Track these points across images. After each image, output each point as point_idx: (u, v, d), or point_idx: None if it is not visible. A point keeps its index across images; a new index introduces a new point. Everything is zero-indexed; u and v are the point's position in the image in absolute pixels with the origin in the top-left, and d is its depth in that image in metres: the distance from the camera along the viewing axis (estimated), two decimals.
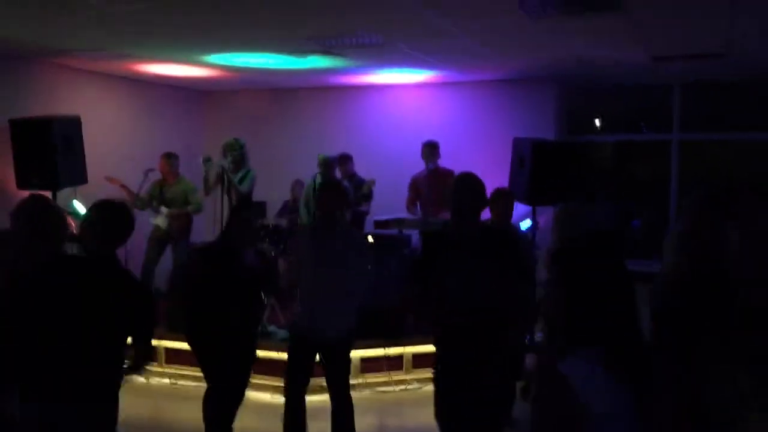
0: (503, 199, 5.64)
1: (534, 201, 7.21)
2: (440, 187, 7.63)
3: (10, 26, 6.06)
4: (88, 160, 7.24)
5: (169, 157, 7.93)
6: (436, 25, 5.71)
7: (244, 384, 4.72)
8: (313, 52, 6.88)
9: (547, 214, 7.89)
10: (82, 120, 7.20)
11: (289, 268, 4.78)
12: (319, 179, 7.53)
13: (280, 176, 8.93)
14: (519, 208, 7.44)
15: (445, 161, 7.83)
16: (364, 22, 5.71)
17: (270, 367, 6.16)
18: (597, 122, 9.35)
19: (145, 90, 9.24)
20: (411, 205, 7.84)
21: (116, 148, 8.53)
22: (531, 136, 7.52)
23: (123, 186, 7.66)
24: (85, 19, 5.54)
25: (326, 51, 6.81)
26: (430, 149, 7.63)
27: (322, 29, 5.94)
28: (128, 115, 9.05)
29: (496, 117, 8.77)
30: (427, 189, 7.43)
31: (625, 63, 7.43)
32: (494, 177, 7.88)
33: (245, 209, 5.07)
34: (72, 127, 7.07)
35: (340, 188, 4.88)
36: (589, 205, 7.83)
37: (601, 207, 8.82)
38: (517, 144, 7.47)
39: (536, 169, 7.05)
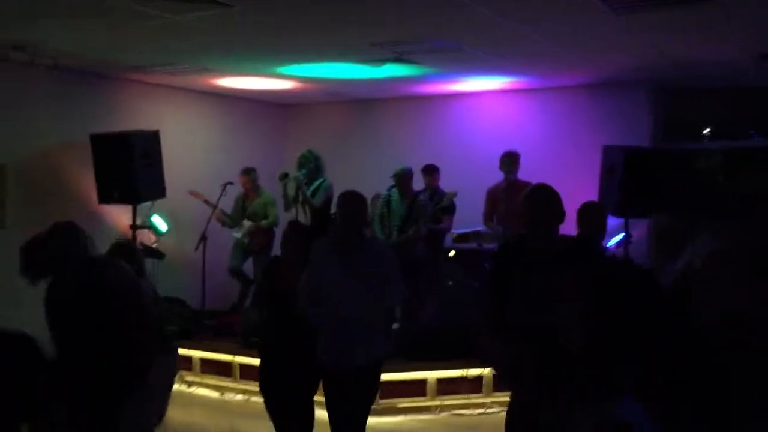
0: (590, 213, 5.27)
1: (626, 213, 6.77)
2: (518, 201, 7.27)
3: (84, 42, 6.16)
4: (167, 174, 7.31)
5: (248, 173, 7.97)
6: (511, 28, 5.38)
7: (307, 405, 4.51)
8: (387, 60, 6.67)
9: (640, 228, 7.39)
10: (161, 135, 7.28)
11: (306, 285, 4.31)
12: (394, 193, 7.28)
13: (362, 190, 8.69)
14: (610, 221, 7.06)
15: (528, 172, 7.43)
16: (435, 28, 5.47)
17: None
18: (706, 130, 8.63)
19: (224, 104, 9.29)
20: (488, 218, 7.47)
21: (195, 162, 8.59)
22: (623, 144, 7.07)
23: (207, 201, 7.71)
24: (151, 31, 5.54)
25: (400, 58, 6.59)
26: (510, 159, 7.25)
27: (392, 35, 5.74)
28: (207, 130, 9.12)
29: (584, 124, 8.27)
30: (504, 202, 7.03)
31: (726, 62, 6.83)
32: (582, 189, 7.46)
33: (294, 228, 4.88)
34: (151, 142, 7.15)
35: (359, 197, 4.36)
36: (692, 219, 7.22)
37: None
38: (608, 152, 7.05)
39: (628, 178, 6.65)
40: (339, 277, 4.09)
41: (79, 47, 6.35)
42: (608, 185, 6.93)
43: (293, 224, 5.15)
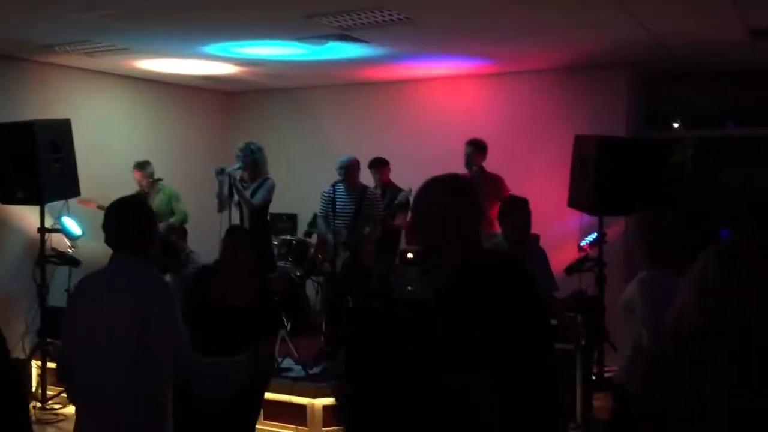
0: (514, 210, 4.83)
1: (599, 210, 6.06)
2: (485, 195, 6.59)
3: None
4: (81, 170, 6.39)
5: (143, 166, 7.16)
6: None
7: None
8: (329, 37, 5.85)
9: (616, 226, 6.68)
10: (74, 125, 6.35)
11: None
12: (340, 188, 6.46)
13: (315, 185, 7.88)
14: (583, 218, 6.37)
15: (494, 165, 6.70)
16: None
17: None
18: (677, 122, 7.95)
19: (152, 90, 8.34)
20: None
21: (116, 155, 7.65)
22: (597, 133, 6.34)
23: (100, 206, 6.82)
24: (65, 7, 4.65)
25: (344, 35, 5.77)
26: (474, 150, 6.52)
27: (329, 4, 4.96)
28: (131, 119, 8.16)
29: (555, 112, 7.54)
30: None
31: (713, 42, 6.13)
32: (553, 183, 6.79)
33: (235, 232, 4.53)
34: (61, 132, 6.24)
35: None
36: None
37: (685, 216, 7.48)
38: (580, 142, 6.33)
39: (602, 172, 5.90)
40: None
41: None
42: (580, 179, 6.22)
43: (235, 229, 4.70)
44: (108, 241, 2.90)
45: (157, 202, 7.11)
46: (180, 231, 7.03)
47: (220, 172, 6.14)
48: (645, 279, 3.38)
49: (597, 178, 5.92)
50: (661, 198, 7.20)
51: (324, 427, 5.29)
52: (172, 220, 7.08)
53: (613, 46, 6.36)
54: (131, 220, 2.90)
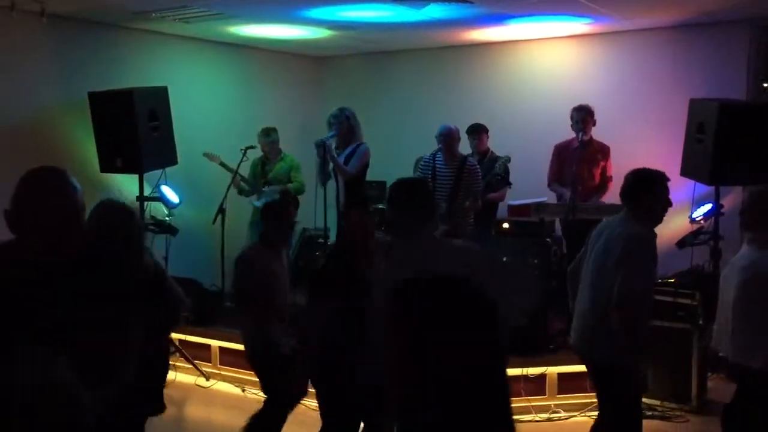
0: None
1: (717, 179, 5.74)
2: (592, 165, 6.29)
3: None
4: (177, 138, 6.39)
5: (269, 133, 7.11)
6: None
7: None
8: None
9: (735, 196, 6.26)
10: (170, 92, 6.34)
11: None
12: (439, 157, 6.23)
13: (405, 151, 7.69)
14: (698, 188, 5.99)
15: (602, 132, 6.38)
16: None
17: None
18: None
19: (244, 56, 8.26)
20: (553, 181, 6.47)
21: (211, 123, 7.63)
22: (712, 96, 5.97)
23: (223, 164, 6.86)
24: None
25: None
26: (583, 116, 6.18)
27: None
28: (225, 85, 8.10)
29: (668, 74, 7.08)
30: (576, 165, 6.01)
31: None
32: (665, 150, 6.41)
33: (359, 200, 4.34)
34: (158, 100, 6.22)
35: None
36: None
37: None
38: (696, 106, 5.95)
39: (722, 139, 5.55)
40: None
41: None
42: (696, 146, 5.85)
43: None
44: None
45: (276, 169, 7.15)
46: (294, 201, 7.00)
47: (321, 144, 5.94)
48: None
49: (716, 146, 5.57)
50: None
51: None
52: (290, 186, 7.07)
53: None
54: None
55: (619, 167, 5.79)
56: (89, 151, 6.29)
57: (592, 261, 3.79)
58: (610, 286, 3.55)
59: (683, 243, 5.97)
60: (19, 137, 6.10)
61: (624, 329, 3.49)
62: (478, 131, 6.83)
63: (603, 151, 6.40)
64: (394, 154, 7.80)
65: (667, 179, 3.79)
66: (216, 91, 7.94)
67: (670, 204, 3.78)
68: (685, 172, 5.99)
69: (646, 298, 3.64)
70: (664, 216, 3.80)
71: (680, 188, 6.29)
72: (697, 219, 6.15)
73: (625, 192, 3.78)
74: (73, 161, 6.32)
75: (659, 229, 4.68)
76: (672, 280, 5.73)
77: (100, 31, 6.77)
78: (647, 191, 3.71)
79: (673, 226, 6.30)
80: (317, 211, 5.93)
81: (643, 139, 6.89)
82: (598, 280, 3.68)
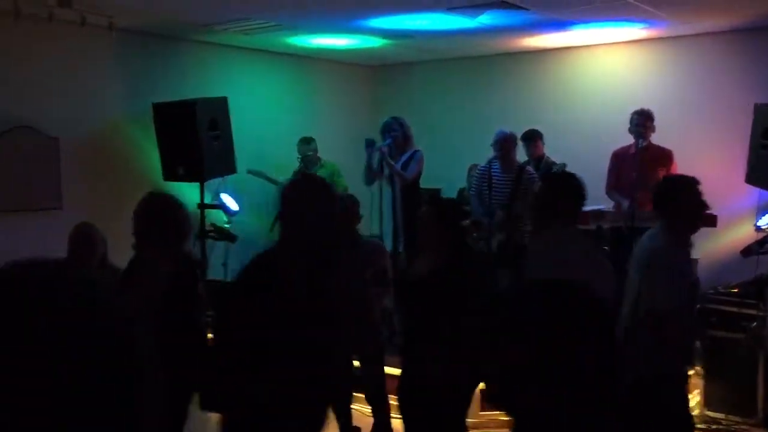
0: None
1: None
2: (651, 171, 6.16)
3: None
4: (237, 147, 6.53)
5: (308, 142, 7.25)
6: None
7: None
8: (486, 6, 5.59)
9: None
10: (230, 103, 6.47)
11: None
12: (496, 164, 6.21)
13: (456, 159, 7.68)
14: (763, 195, 5.82)
15: (662, 138, 6.26)
16: None
17: None
18: None
19: (302, 66, 8.38)
20: (611, 189, 6.35)
21: (269, 133, 7.75)
22: None
23: (268, 178, 7.05)
24: None
25: (504, 1, 5.49)
26: (643, 120, 6.07)
27: None
28: (282, 96, 8.22)
29: (731, 78, 6.90)
30: (636, 172, 5.88)
31: None
32: (728, 157, 6.25)
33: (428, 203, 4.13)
34: (219, 110, 6.35)
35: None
36: None
37: None
38: (761, 112, 5.75)
39: None
40: None
41: (137, 3, 5.61)
42: (761, 152, 5.67)
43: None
44: None
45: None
46: (352, 204, 7.12)
47: (371, 143, 6.10)
48: None
49: None
50: None
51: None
52: None
53: None
54: None
55: None
56: (153, 159, 6.47)
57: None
58: (633, 300, 3.50)
59: (748, 251, 5.79)
60: (87, 147, 6.33)
61: (655, 348, 3.39)
62: (533, 138, 6.79)
63: (663, 156, 6.23)
64: (448, 163, 7.81)
65: (697, 183, 3.65)
66: (273, 101, 8.07)
67: (704, 207, 3.65)
68: (750, 179, 5.81)
69: (676, 316, 3.43)
70: (699, 222, 3.69)
71: (745, 196, 6.15)
72: (763, 227, 5.97)
73: (653, 202, 3.71)
74: (137, 170, 6.55)
75: (721, 237, 4.58)
76: (735, 290, 5.57)
77: (164, 43, 6.97)
78: (673, 199, 3.61)
79: (737, 233, 6.16)
80: (373, 217, 5.99)
81: (706, 147, 6.73)
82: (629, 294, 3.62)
